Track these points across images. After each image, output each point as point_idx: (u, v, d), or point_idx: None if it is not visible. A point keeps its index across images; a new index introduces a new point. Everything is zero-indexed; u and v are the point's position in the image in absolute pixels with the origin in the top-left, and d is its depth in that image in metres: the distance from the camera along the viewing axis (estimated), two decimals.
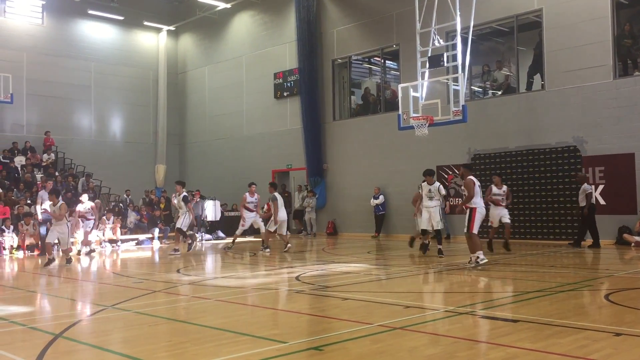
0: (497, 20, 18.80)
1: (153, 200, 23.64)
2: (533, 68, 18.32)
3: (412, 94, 15.87)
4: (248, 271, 12.28)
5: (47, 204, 15.86)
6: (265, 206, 17.66)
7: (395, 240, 19.37)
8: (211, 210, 22.77)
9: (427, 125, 15.68)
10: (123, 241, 19.23)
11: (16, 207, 18.34)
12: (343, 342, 5.54)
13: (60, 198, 14.22)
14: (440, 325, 6.38)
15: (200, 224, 21.81)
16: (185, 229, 16.11)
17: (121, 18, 27.68)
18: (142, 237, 20.17)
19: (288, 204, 20.80)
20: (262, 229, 16.28)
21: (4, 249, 16.63)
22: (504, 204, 14.25)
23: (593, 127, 16.44)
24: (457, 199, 18.21)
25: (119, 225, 19.20)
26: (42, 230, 16.45)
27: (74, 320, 6.92)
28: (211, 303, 8.17)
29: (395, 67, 22.45)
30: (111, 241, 18.80)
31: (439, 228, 13.35)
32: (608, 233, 15.57)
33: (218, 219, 23.04)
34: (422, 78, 16.05)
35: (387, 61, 22.86)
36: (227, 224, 23.19)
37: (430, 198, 13.29)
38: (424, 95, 15.94)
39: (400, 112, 16.44)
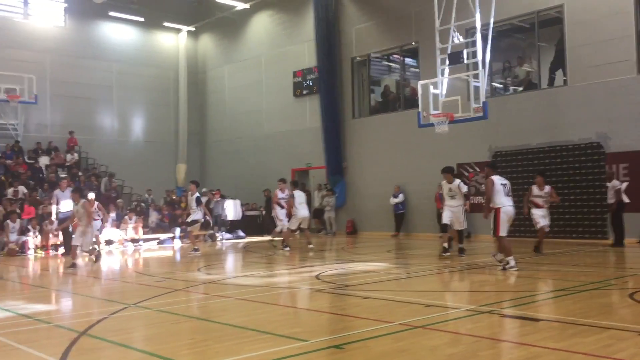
0: (517, 16, 18.57)
1: (174, 199, 23.81)
2: (555, 64, 18.11)
3: (432, 91, 15.75)
4: (268, 270, 12.34)
5: (63, 204, 15.97)
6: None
7: (415, 239, 19.29)
8: (231, 209, 22.81)
9: (447, 122, 15.54)
10: (145, 240, 19.44)
11: (40, 207, 18.56)
12: (364, 341, 5.54)
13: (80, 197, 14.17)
14: (461, 324, 6.33)
15: (221, 223, 21.92)
16: (189, 222, 16.00)
17: (141, 19, 27.93)
18: (163, 236, 20.32)
19: (307, 203, 20.75)
20: (284, 228, 16.29)
21: (29, 248, 16.91)
22: (546, 206, 13.10)
23: (617, 123, 16.17)
24: (477, 197, 18.07)
25: (140, 224, 19.42)
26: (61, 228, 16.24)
27: (98, 318, 7.00)
28: (232, 301, 8.22)
29: (415, 64, 22.31)
30: (133, 240, 19.05)
31: (462, 228, 13.00)
32: (632, 231, 15.27)
33: (239, 218, 23.11)
34: (442, 75, 15.90)
35: (406, 58, 22.75)
36: (248, 223, 23.29)
37: (452, 197, 12.83)
38: (444, 92, 15.77)
39: (420, 109, 16.32)
